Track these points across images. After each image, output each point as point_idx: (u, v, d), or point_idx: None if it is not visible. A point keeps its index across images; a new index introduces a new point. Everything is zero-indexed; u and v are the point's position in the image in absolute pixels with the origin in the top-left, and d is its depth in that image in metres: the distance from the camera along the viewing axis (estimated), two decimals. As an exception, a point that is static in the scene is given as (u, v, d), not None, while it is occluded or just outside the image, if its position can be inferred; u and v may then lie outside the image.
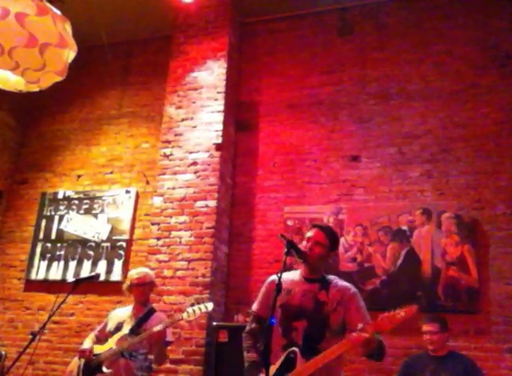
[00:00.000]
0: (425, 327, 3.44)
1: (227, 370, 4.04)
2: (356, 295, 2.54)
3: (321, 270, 2.61)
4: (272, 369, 2.42)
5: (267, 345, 2.30)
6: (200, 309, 3.33)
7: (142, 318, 3.49)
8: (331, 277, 2.62)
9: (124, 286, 3.65)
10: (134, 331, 3.37)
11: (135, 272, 3.65)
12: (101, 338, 3.59)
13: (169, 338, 3.52)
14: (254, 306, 2.71)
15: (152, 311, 3.59)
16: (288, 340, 2.49)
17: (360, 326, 2.24)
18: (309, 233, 2.60)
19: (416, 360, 3.51)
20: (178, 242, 4.78)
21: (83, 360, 3.40)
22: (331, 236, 2.61)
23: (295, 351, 2.38)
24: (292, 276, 2.65)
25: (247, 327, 2.67)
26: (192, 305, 3.37)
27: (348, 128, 5.09)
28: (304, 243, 2.57)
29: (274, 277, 2.66)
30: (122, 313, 3.62)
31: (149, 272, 3.73)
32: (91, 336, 3.63)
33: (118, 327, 3.48)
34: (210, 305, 3.38)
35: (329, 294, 2.50)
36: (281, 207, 5.00)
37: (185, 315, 3.31)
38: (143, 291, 3.58)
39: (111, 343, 3.37)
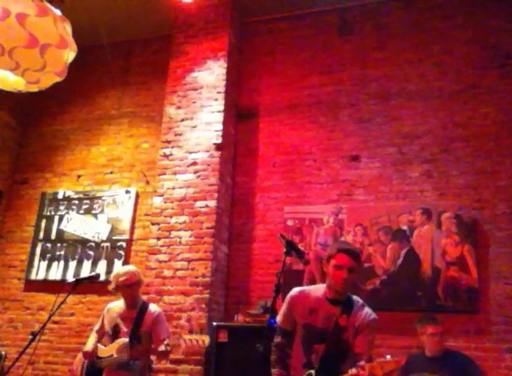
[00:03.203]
0: (431, 330, 3.40)
1: (227, 370, 4.04)
2: (372, 323, 2.50)
3: (347, 292, 2.56)
4: None
5: (267, 346, 2.32)
6: (197, 340, 3.08)
7: (136, 320, 3.43)
8: (355, 300, 2.57)
9: (110, 287, 3.53)
10: (133, 338, 3.34)
11: (121, 273, 3.51)
12: (101, 335, 3.59)
13: (168, 334, 3.50)
14: (278, 318, 2.69)
15: (144, 308, 3.51)
16: (308, 360, 2.50)
17: (362, 363, 2.23)
18: (339, 261, 2.47)
19: (414, 360, 3.50)
20: (178, 242, 4.78)
21: (87, 360, 3.41)
22: (358, 258, 2.52)
23: (312, 374, 2.40)
24: (316, 292, 2.59)
25: (274, 340, 2.66)
26: (191, 332, 3.31)
27: (348, 128, 5.09)
28: (335, 270, 2.47)
29: (297, 292, 2.63)
30: (115, 310, 3.56)
31: (135, 270, 3.58)
32: (94, 335, 3.61)
33: (115, 331, 3.45)
34: (206, 340, 3.10)
35: (349, 318, 2.47)
36: (281, 207, 5.00)
37: (182, 342, 3.09)
38: (132, 292, 3.50)
39: (113, 349, 3.34)
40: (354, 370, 2.21)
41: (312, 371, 2.41)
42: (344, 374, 2.26)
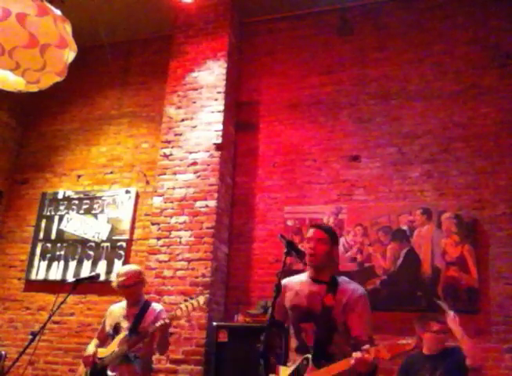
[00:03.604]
0: (436, 326, 3.39)
1: (227, 370, 4.05)
2: (361, 299, 2.50)
3: (329, 270, 2.59)
4: (284, 371, 2.45)
5: (266, 344, 2.32)
6: (192, 304, 3.22)
7: (138, 316, 3.43)
8: (340, 279, 2.59)
9: (113, 284, 3.54)
10: (133, 332, 3.35)
11: (121, 273, 3.50)
12: (102, 339, 3.59)
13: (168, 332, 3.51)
14: (270, 310, 2.72)
15: (146, 306, 3.51)
16: (299, 341, 2.51)
17: (367, 346, 2.21)
18: (309, 234, 2.62)
19: (413, 361, 3.49)
20: (178, 242, 4.78)
21: (89, 367, 3.41)
22: (330, 232, 2.63)
23: (308, 358, 2.39)
24: (300, 277, 2.66)
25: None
26: (186, 301, 3.32)
27: (348, 128, 5.09)
28: (306, 244, 2.57)
29: (285, 280, 2.68)
30: (117, 311, 3.56)
31: (136, 270, 3.55)
32: (94, 341, 3.61)
33: (116, 329, 3.45)
34: (201, 299, 3.26)
35: (336, 297, 2.47)
36: (281, 207, 5.00)
37: (178, 312, 3.20)
38: (132, 292, 3.49)
39: (113, 346, 3.36)
40: (358, 354, 2.17)
41: (309, 355, 2.40)
42: (347, 358, 2.23)
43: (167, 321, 3.20)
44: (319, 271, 2.57)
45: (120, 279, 3.47)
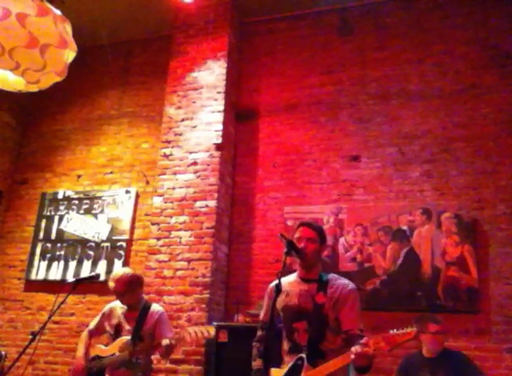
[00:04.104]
0: (433, 328, 3.36)
1: (227, 370, 4.04)
2: (352, 293, 2.51)
3: (318, 268, 2.60)
4: (278, 373, 2.43)
5: (267, 348, 2.32)
6: (201, 332, 3.05)
7: (139, 320, 3.41)
8: (329, 276, 2.59)
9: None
10: (135, 336, 3.33)
11: (112, 279, 3.43)
12: (97, 333, 3.57)
13: (172, 333, 3.46)
14: (261, 314, 2.75)
15: (146, 308, 3.47)
16: (292, 342, 2.50)
17: (365, 340, 2.19)
18: (298, 234, 2.59)
19: (413, 362, 3.48)
20: (178, 242, 4.78)
21: (88, 362, 3.40)
22: (319, 230, 2.62)
23: (303, 358, 2.38)
24: (289, 278, 2.66)
25: (256, 335, 2.69)
26: (195, 325, 3.24)
27: (348, 128, 5.09)
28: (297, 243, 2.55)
29: (274, 283, 2.66)
30: (118, 310, 3.53)
31: (127, 275, 3.44)
32: (85, 337, 3.54)
33: (117, 330, 3.43)
34: (211, 330, 3.10)
35: (327, 294, 2.48)
36: (281, 207, 5.00)
37: (187, 336, 3.06)
38: (127, 298, 3.45)
39: (114, 348, 3.33)
40: (358, 348, 2.15)
41: (303, 355, 2.38)
42: (346, 353, 2.21)
43: (173, 343, 3.13)
44: (309, 270, 2.58)
45: (111, 285, 3.44)
